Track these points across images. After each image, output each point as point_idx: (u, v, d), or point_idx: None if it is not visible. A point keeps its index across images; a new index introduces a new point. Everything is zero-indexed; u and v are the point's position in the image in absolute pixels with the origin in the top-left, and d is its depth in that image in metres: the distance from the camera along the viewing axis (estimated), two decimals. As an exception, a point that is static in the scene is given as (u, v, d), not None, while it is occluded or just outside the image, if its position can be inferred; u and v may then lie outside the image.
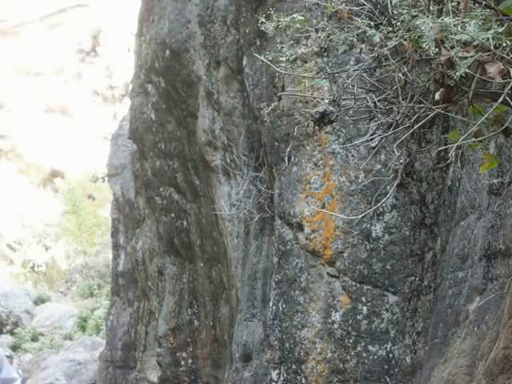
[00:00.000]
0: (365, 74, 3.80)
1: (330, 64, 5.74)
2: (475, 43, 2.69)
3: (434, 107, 3.03)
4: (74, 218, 31.21)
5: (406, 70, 3.14)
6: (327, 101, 3.87)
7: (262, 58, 4.39)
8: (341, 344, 5.69)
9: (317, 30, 3.73)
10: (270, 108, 5.81)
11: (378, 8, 3.32)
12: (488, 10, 2.78)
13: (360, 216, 5.28)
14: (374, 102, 3.54)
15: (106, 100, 37.58)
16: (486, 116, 2.76)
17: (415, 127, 3.32)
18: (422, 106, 3.23)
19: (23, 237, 32.32)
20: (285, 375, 5.91)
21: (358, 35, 3.38)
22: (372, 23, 3.28)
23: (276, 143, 6.28)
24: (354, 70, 3.76)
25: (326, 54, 5.73)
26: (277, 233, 6.19)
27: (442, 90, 2.83)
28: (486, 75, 2.68)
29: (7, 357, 17.58)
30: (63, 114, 36.93)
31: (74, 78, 37.68)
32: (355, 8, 3.41)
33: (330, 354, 5.71)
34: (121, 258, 15.66)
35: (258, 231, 7.01)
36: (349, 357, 5.68)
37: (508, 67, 2.67)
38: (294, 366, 5.87)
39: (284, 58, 3.95)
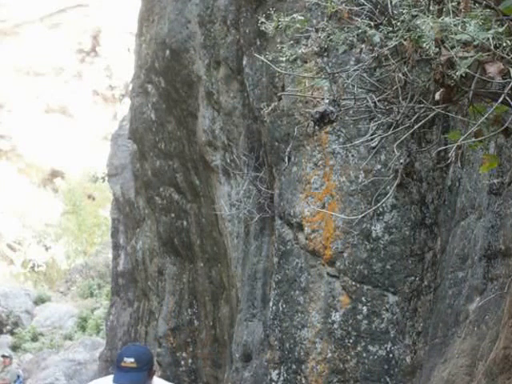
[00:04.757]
0: (365, 74, 3.80)
1: (330, 64, 5.74)
2: (475, 43, 2.69)
3: (434, 107, 3.03)
4: (74, 217, 31.22)
5: (406, 69, 3.14)
6: (327, 101, 3.87)
7: (262, 58, 4.39)
8: (341, 344, 5.69)
9: (317, 30, 3.73)
10: (270, 108, 5.82)
11: (378, 8, 3.32)
12: (488, 10, 2.78)
13: (360, 216, 5.28)
14: (374, 102, 3.54)
15: (106, 100, 37.59)
16: (486, 116, 2.76)
17: (415, 127, 3.32)
18: (422, 106, 3.23)
19: (23, 237, 32.33)
20: (285, 375, 5.91)
21: (357, 35, 3.38)
22: (372, 23, 3.28)
23: (276, 143, 6.28)
24: (354, 70, 3.76)
25: (326, 54, 5.74)
26: (277, 233, 6.19)
27: (442, 89, 2.83)
28: (486, 75, 2.68)
29: (6, 357, 17.42)
30: (63, 113, 36.94)
31: (74, 77, 37.68)
32: (355, 8, 3.41)
33: (330, 354, 5.71)
34: (121, 258, 15.68)
35: (258, 231, 7.01)
36: (349, 357, 5.68)
37: (508, 67, 2.67)
38: (294, 366, 5.86)
39: (284, 58, 3.95)
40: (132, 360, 4.14)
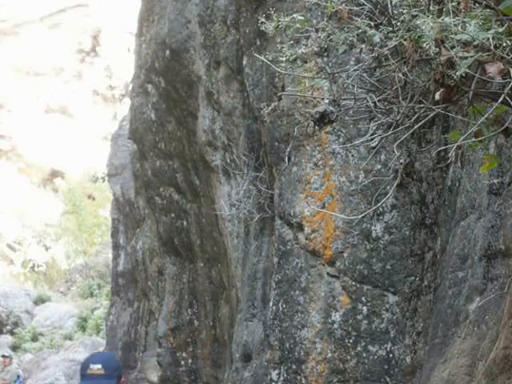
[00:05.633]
0: (365, 74, 3.80)
1: (330, 64, 5.74)
2: (475, 43, 2.69)
3: (434, 107, 3.03)
4: (74, 217, 31.22)
5: (406, 69, 3.14)
6: (327, 101, 3.87)
7: (262, 58, 4.39)
8: (341, 344, 5.69)
9: (317, 30, 3.73)
10: (270, 108, 5.81)
11: (378, 8, 3.32)
12: (488, 10, 2.78)
13: (360, 216, 5.28)
14: (374, 102, 3.54)
15: (106, 100, 37.59)
16: (486, 116, 2.76)
17: (415, 127, 3.32)
18: (421, 106, 3.23)
19: (23, 237, 32.33)
20: (285, 375, 5.91)
21: (357, 35, 3.38)
22: (372, 23, 3.28)
23: (276, 143, 6.28)
24: (354, 70, 3.76)
25: (326, 54, 5.74)
26: (277, 233, 6.19)
27: (442, 89, 2.83)
28: (485, 75, 2.68)
29: (6, 357, 17.43)
30: (63, 113, 36.94)
31: (74, 78, 37.68)
32: (355, 8, 3.41)
33: (330, 354, 5.71)
34: (121, 258, 15.69)
35: (258, 231, 7.01)
36: (349, 357, 5.68)
37: (508, 67, 2.67)
38: (294, 366, 5.86)
39: (284, 58, 3.95)
40: (99, 366, 3.78)
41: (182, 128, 9.36)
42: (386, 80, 3.59)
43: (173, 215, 10.15)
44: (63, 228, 31.75)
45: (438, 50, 2.75)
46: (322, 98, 4.95)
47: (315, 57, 5.81)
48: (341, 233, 5.76)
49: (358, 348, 5.66)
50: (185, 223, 9.96)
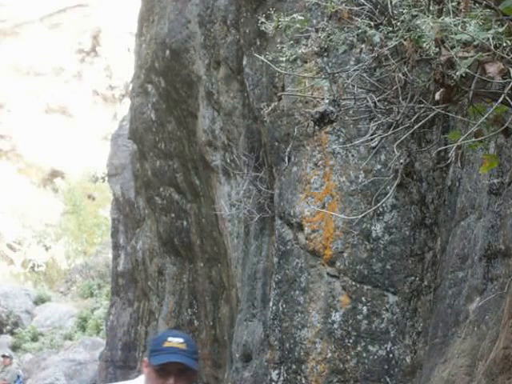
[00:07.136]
0: (365, 74, 3.81)
1: (330, 64, 5.74)
2: (475, 43, 2.69)
3: (434, 107, 3.03)
4: (74, 217, 31.22)
5: (406, 69, 3.14)
6: (327, 101, 3.88)
7: (262, 58, 4.39)
8: (341, 344, 5.69)
9: (317, 30, 3.73)
10: (270, 108, 5.81)
11: (378, 8, 3.32)
12: (488, 10, 2.78)
13: (360, 216, 5.27)
14: (374, 102, 3.54)
15: (106, 100, 37.58)
16: (486, 116, 2.76)
17: (415, 127, 3.32)
18: (422, 106, 3.24)
19: (23, 237, 32.33)
20: (285, 375, 5.91)
21: (358, 35, 3.38)
22: (372, 23, 3.28)
23: (276, 143, 6.28)
24: (354, 70, 3.76)
25: (326, 54, 5.74)
26: (277, 233, 6.19)
27: (442, 90, 2.83)
28: (485, 75, 2.68)
29: (6, 357, 17.40)
30: (63, 113, 36.92)
31: (74, 78, 37.68)
32: (355, 8, 3.41)
33: (330, 354, 5.71)
34: (121, 258, 15.69)
35: (258, 231, 7.01)
36: (349, 357, 5.67)
37: (508, 67, 2.67)
38: (294, 366, 5.86)
39: (284, 58, 3.95)
40: (181, 340, 2.94)
41: (182, 128, 9.36)
42: (386, 80, 3.60)
43: (173, 215, 10.16)
44: (63, 228, 31.76)
45: (438, 49, 2.75)
46: (322, 98, 4.95)
47: (315, 57, 5.81)
48: (341, 233, 5.76)
49: (358, 348, 5.66)
50: (185, 223, 9.96)
